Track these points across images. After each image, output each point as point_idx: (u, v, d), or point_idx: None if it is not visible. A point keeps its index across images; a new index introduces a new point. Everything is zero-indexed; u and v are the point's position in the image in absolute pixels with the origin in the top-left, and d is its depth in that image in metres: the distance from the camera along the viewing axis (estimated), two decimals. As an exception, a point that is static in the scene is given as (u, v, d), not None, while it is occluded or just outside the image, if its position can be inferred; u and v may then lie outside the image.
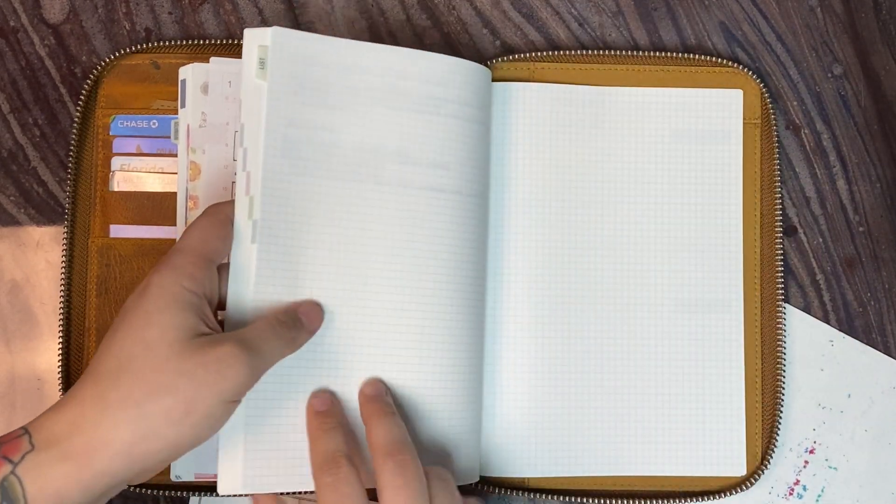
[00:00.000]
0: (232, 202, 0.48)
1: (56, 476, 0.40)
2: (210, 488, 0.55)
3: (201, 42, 0.58)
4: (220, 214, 0.47)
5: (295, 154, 0.49)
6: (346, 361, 0.50)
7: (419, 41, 0.60)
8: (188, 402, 0.41)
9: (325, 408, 0.49)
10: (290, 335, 0.47)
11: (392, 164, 0.51)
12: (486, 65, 0.57)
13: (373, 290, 0.51)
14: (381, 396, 0.50)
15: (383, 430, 0.47)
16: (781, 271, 0.58)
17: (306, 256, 0.49)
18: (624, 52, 0.59)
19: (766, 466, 0.57)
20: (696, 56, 0.59)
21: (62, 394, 0.55)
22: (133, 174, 0.57)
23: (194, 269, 0.45)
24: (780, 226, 0.58)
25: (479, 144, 0.55)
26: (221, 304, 0.48)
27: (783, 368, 0.58)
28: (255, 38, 0.49)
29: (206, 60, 0.55)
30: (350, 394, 0.50)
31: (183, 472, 0.54)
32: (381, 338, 0.51)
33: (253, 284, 0.48)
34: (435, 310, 0.52)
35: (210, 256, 0.46)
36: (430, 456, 0.52)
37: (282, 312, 0.47)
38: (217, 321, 0.47)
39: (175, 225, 0.55)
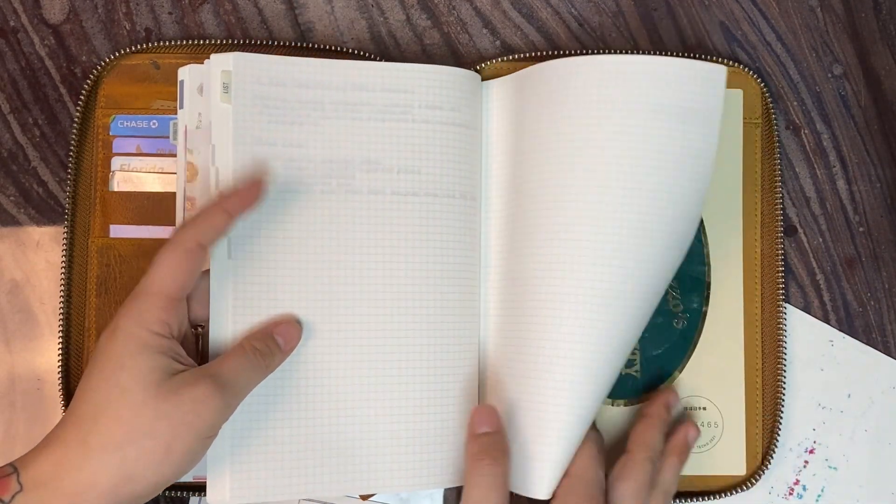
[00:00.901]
0: (198, 224, 0.47)
1: None
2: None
3: (201, 42, 0.58)
4: (187, 243, 0.46)
5: (264, 170, 0.51)
6: (330, 370, 0.52)
7: (419, 41, 0.60)
8: (168, 443, 0.43)
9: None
10: (264, 363, 0.48)
11: (361, 173, 0.53)
12: (474, 69, 0.57)
13: (353, 298, 0.52)
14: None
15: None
16: (782, 271, 0.58)
17: (284, 269, 0.51)
18: (624, 52, 0.59)
19: (766, 466, 0.57)
20: (696, 56, 0.59)
21: (62, 394, 0.55)
22: (133, 174, 0.57)
23: (161, 313, 0.45)
24: (781, 226, 0.58)
25: (461, 146, 0.55)
26: (195, 322, 0.50)
27: (783, 368, 0.58)
28: (218, 64, 0.51)
29: (206, 59, 0.55)
30: (338, 402, 0.52)
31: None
32: (364, 344, 0.52)
33: (232, 300, 0.50)
34: (419, 312, 0.53)
35: (177, 295, 0.46)
36: (417, 456, 0.53)
37: (257, 338, 0.49)
38: (192, 347, 0.50)
39: (174, 225, 0.55)
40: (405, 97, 0.54)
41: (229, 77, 0.51)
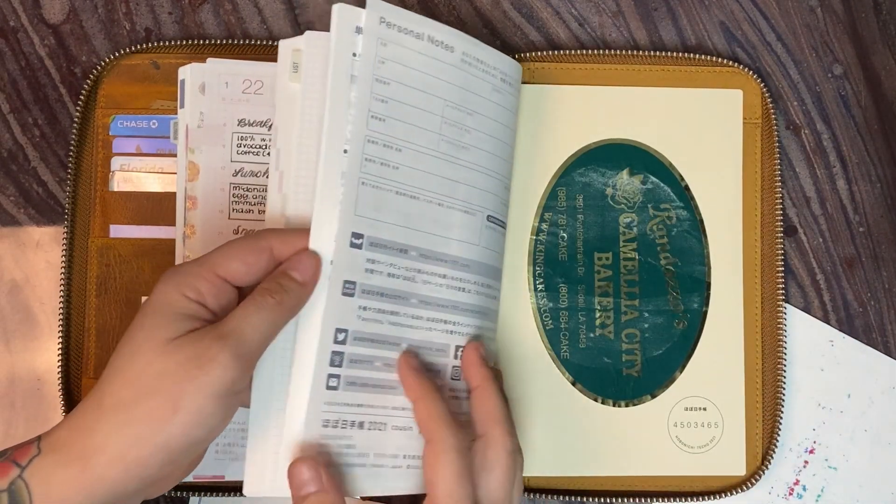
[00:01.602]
0: (278, 232, 0.46)
1: (59, 481, 0.40)
2: (209, 489, 0.55)
3: (201, 42, 0.58)
4: (260, 242, 0.45)
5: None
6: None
7: (419, 41, 0.60)
8: (174, 401, 0.40)
9: (422, 367, 0.49)
10: (273, 300, 0.44)
11: (444, 143, 0.51)
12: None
13: (430, 272, 0.50)
14: (488, 362, 0.51)
15: (501, 403, 0.49)
16: (781, 271, 0.58)
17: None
18: (624, 52, 0.59)
19: (766, 466, 0.57)
20: (696, 56, 0.59)
21: (62, 394, 0.55)
22: (133, 174, 0.57)
23: (201, 283, 0.43)
24: (781, 226, 0.58)
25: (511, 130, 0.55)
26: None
27: (783, 368, 0.58)
28: (289, 45, 0.49)
29: (206, 60, 0.55)
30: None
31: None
32: (437, 317, 0.51)
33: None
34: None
35: (225, 276, 0.44)
36: None
37: (267, 280, 0.45)
38: None
39: (174, 225, 0.55)
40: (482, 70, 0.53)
41: (300, 56, 0.49)
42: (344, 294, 0.47)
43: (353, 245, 0.47)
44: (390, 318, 0.49)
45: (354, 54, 0.47)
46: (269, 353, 0.45)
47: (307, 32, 0.49)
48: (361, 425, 0.48)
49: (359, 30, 0.47)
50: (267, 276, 0.45)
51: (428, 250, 0.50)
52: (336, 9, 0.47)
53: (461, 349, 0.52)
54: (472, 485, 0.45)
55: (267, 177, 0.55)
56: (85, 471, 0.40)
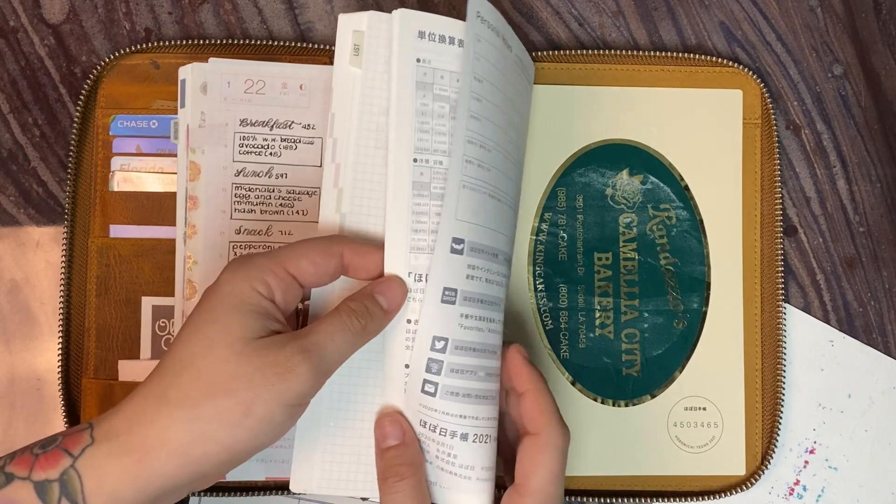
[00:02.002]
0: (350, 241, 0.46)
1: (112, 472, 0.39)
2: (209, 489, 0.55)
3: (201, 42, 0.57)
4: (333, 247, 0.45)
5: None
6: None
7: (419, 41, 0.60)
8: (247, 405, 0.40)
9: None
10: (359, 324, 0.44)
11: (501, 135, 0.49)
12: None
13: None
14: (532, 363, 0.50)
15: (553, 401, 0.47)
16: (781, 271, 0.58)
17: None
18: (624, 52, 0.59)
19: (766, 466, 0.57)
20: (696, 56, 0.59)
21: (62, 394, 0.55)
22: (133, 174, 0.57)
23: (271, 277, 0.43)
24: (781, 226, 0.58)
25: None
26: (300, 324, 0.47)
27: (783, 368, 0.58)
28: (349, 24, 0.47)
29: (206, 60, 0.55)
30: None
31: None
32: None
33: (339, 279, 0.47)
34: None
35: (294, 272, 0.44)
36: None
37: (354, 299, 0.45)
38: (294, 325, 0.46)
39: (174, 225, 0.55)
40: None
41: (361, 38, 0.47)
42: (444, 301, 0.45)
43: (453, 251, 0.45)
44: (489, 325, 0.47)
45: (419, 60, 0.46)
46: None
47: (371, 12, 0.47)
48: (465, 437, 0.46)
49: (422, 34, 0.46)
50: (331, 280, 0.46)
51: (507, 252, 0.49)
52: (397, 14, 0.46)
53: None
54: (563, 488, 0.46)
55: (269, 177, 0.55)
56: (141, 462, 0.39)
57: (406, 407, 0.46)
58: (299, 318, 0.49)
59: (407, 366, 0.46)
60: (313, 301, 0.47)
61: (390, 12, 0.47)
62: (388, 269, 0.46)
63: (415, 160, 0.46)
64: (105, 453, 0.39)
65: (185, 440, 0.39)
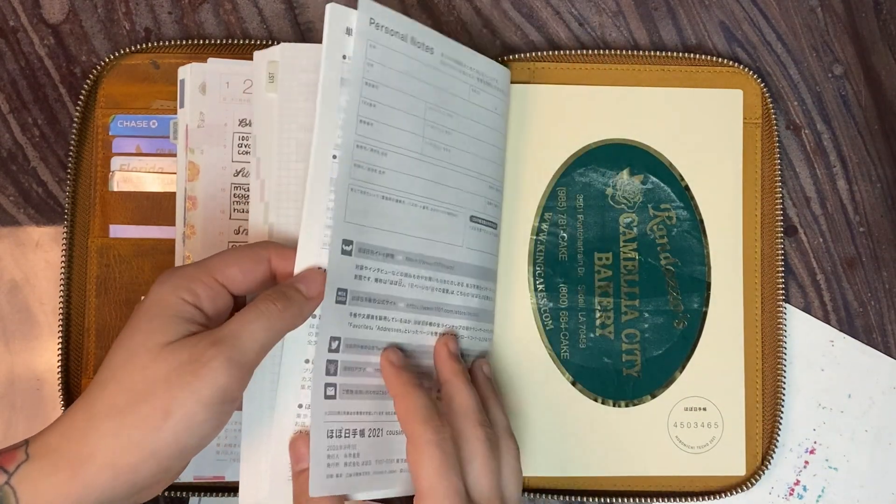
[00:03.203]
0: (277, 246, 0.47)
1: (47, 488, 0.39)
2: (209, 489, 0.55)
3: (201, 42, 0.57)
4: (260, 252, 0.45)
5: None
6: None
7: (419, 41, 0.60)
8: (165, 407, 0.39)
9: (403, 363, 0.48)
10: (276, 307, 0.43)
11: (426, 145, 0.51)
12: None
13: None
14: (459, 357, 0.51)
15: (469, 396, 0.48)
16: (782, 271, 0.58)
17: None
18: (624, 52, 0.59)
19: (766, 466, 0.57)
20: (697, 56, 0.59)
21: (62, 394, 0.55)
22: (132, 174, 0.57)
23: (198, 286, 0.43)
24: (781, 226, 0.58)
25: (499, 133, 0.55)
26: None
27: (783, 368, 0.58)
28: (264, 57, 0.50)
29: (206, 60, 0.55)
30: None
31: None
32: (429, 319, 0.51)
33: None
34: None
35: (223, 281, 0.44)
36: None
37: (272, 289, 0.44)
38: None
39: (174, 225, 0.55)
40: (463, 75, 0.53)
41: (276, 67, 0.49)
42: (337, 302, 0.47)
43: (343, 252, 0.47)
44: (379, 322, 0.49)
45: (344, 57, 0.47)
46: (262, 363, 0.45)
47: (284, 45, 0.50)
48: (363, 433, 0.48)
49: (349, 31, 0.47)
50: (262, 287, 0.45)
51: (413, 253, 0.50)
52: (329, 8, 0.47)
53: None
54: (458, 477, 0.45)
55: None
56: (74, 477, 0.39)
57: (315, 423, 0.46)
58: None
59: (307, 360, 0.47)
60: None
61: (378, 15, 0.48)
62: (302, 262, 0.46)
63: (334, 156, 0.47)
64: (39, 469, 0.39)
65: (113, 451, 0.39)
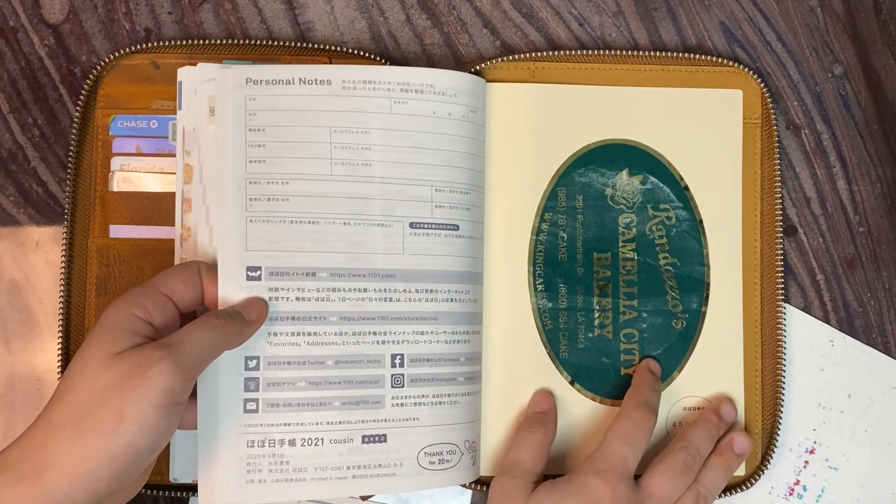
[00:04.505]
0: (204, 264, 0.51)
1: (9, 498, 0.40)
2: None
3: (201, 42, 0.58)
4: (192, 266, 0.50)
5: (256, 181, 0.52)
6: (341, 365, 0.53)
7: (419, 41, 0.60)
8: (119, 411, 0.42)
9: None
10: (219, 322, 0.47)
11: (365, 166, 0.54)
12: (473, 69, 0.58)
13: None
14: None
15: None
16: (781, 271, 0.58)
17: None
18: (624, 52, 0.59)
19: (766, 466, 0.57)
20: (696, 56, 0.59)
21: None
22: (133, 174, 0.57)
23: (146, 301, 0.46)
24: (781, 226, 0.58)
25: (470, 144, 0.56)
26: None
27: (783, 368, 0.58)
28: (206, 91, 0.53)
29: (206, 60, 0.55)
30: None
31: (181, 474, 0.54)
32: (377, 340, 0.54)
33: None
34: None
35: (167, 293, 0.48)
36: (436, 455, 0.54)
37: (218, 309, 0.50)
38: None
39: (174, 225, 0.55)
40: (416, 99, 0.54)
41: (214, 101, 0.52)
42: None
43: (249, 278, 0.51)
44: (308, 338, 0.52)
45: (247, 99, 0.52)
46: (211, 373, 0.50)
47: (200, 65, 0.53)
48: (293, 442, 0.51)
49: (229, 89, 0.52)
50: (201, 302, 0.50)
51: (339, 269, 0.52)
52: (216, 73, 0.52)
53: (398, 357, 0.53)
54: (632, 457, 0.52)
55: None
56: (35, 487, 0.41)
57: (230, 433, 0.51)
58: None
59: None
60: None
61: (254, 73, 0.52)
62: (224, 288, 0.51)
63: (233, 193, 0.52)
64: (2, 482, 0.41)
65: (71, 458, 0.41)
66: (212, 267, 0.51)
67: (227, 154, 0.52)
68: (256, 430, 0.51)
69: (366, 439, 0.52)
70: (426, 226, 0.54)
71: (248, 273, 0.51)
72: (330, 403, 0.52)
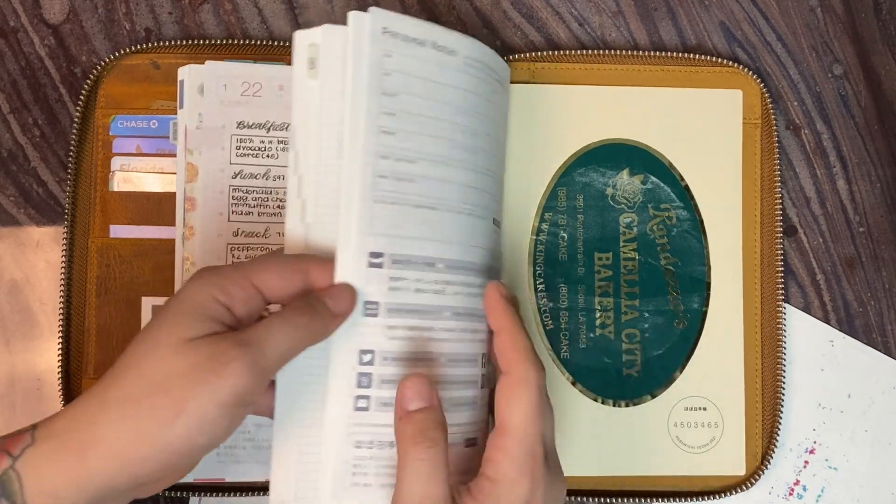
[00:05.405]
0: (318, 259, 0.45)
1: (52, 472, 0.38)
2: (209, 489, 0.55)
3: (201, 42, 0.57)
4: (300, 263, 0.45)
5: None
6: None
7: (419, 41, 0.60)
8: (180, 402, 0.39)
9: (509, 296, 0.47)
10: (303, 320, 0.42)
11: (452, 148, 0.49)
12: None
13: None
14: (511, 302, 0.48)
15: (527, 341, 0.46)
16: (781, 271, 0.58)
17: None
18: (624, 52, 0.59)
19: (766, 466, 0.57)
20: (696, 56, 0.59)
21: (62, 394, 0.55)
22: (133, 174, 0.57)
23: (233, 287, 0.42)
24: (780, 226, 0.58)
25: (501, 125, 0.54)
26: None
27: (783, 368, 0.58)
28: (304, 38, 0.47)
29: (206, 60, 0.55)
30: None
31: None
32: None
33: None
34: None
35: (259, 286, 0.43)
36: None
37: (299, 298, 0.44)
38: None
39: (174, 225, 0.55)
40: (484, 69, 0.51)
41: (317, 52, 0.47)
42: (366, 315, 0.45)
43: (372, 265, 0.45)
44: (424, 333, 0.47)
45: (362, 66, 0.46)
46: (293, 367, 0.44)
47: (325, 25, 0.47)
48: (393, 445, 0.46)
49: (365, 39, 0.46)
50: (298, 296, 0.44)
51: (453, 260, 0.48)
52: (352, 17, 0.46)
53: (484, 356, 0.50)
54: (544, 423, 0.44)
55: (266, 179, 0.55)
56: (79, 464, 0.38)
57: (337, 433, 0.45)
58: None
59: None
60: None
61: (392, 23, 0.47)
62: (341, 276, 0.45)
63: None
64: (45, 453, 0.39)
65: (122, 440, 0.39)
66: (327, 264, 0.45)
67: (359, 120, 0.45)
68: (366, 430, 0.45)
69: (467, 442, 0.49)
70: (497, 223, 0.53)
71: (371, 259, 0.45)
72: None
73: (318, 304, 0.43)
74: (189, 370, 0.39)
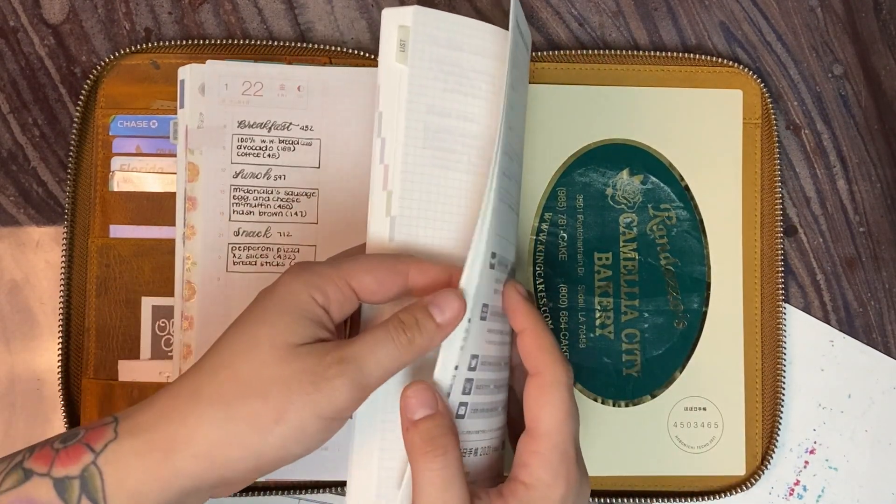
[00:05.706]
0: (418, 261, 0.43)
1: (135, 470, 0.37)
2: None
3: (201, 42, 0.57)
4: (399, 265, 0.43)
5: (436, 144, 0.45)
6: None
7: (419, 41, 0.60)
8: (279, 410, 0.38)
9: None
10: (406, 337, 0.41)
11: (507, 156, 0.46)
12: None
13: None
14: (532, 301, 0.46)
15: (553, 340, 0.44)
16: (781, 271, 0.58)
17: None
18: (624, 52, 0.59)
19: (766, 466, 0.57)
20: (696, 56, 0.59)
21: (61, 394, 0.55)
22: (133, 174, 0.57)
23: (331, 288, 0.41)
24: (781, 226, 0.58)
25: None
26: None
27: (783, 368, 0.58)
28: (394, 18, 0.45)
29: (206, 60, 0.55)
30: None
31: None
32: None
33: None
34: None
35: (356, 288, 0.42)
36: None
37: (405, 310, 0.42)
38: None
39: (174, 225, 0.55)
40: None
41: (407, 34, 0.44)
42: (481, 318, 0.44)
43: (490, 266, 0.43)
44: (502, 336, 0.46)
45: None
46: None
47: (417, 7, 0.45)
48: (476, 452, 0.44)
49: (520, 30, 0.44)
50: (393, 299, 0.43)
51: (503, 257, 0.46)
52: (513, 6, 0.44)
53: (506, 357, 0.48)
54: (577, 424, 0.43)
55: (267, 178, 0.55)
56: (165, 462, 0.37)
57: None
58: (347, 327, 0.47)
59: (456, 367, 0.43)
60: (364, 309, 0.45)
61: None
62: (468, 277, 0.42)
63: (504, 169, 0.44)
64: (129, 450, 0.38)
65: (213, 441, 0.38)
66: (428, 266, 0.43)
67: (502, 115, 0.42)
68: (461, 437, 0.42)
69: (504, 446, 0.47)
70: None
71: (491, 260, 0.43)
72: (496, 409, 0.45)
73: (423, 318, 0.41)
74: (290, 378, 0.38)
